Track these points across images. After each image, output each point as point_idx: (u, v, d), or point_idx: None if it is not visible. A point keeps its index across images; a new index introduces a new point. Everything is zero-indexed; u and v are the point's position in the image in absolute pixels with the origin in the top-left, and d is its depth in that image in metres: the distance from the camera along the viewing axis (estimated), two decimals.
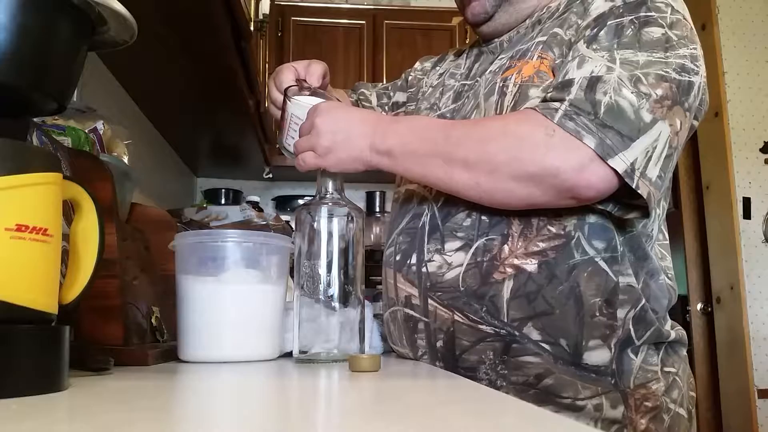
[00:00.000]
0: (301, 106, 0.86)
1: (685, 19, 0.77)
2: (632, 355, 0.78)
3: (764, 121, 2.90)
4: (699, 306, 2.99)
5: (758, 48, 2.97)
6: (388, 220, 0.96)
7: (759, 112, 2.91)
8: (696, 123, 0.79)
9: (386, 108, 1.14)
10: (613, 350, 0.77)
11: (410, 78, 1.12)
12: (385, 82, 1.20)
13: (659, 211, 0.84)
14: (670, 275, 0.85)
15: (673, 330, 0.83)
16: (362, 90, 1.16)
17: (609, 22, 0.76)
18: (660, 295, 0.82)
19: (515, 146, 0.72)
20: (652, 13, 0.75)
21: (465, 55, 1.01)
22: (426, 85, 1.04)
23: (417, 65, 1.13)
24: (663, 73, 0.72)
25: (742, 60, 2.94)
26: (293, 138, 0.89)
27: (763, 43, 2.98)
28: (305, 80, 0.94)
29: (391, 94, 1.14)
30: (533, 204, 0.75)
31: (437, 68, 1.06)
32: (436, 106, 0.96)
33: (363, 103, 1.14)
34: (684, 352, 0.85)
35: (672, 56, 0.73)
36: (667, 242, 0.87)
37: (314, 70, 0.95)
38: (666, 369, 0.80)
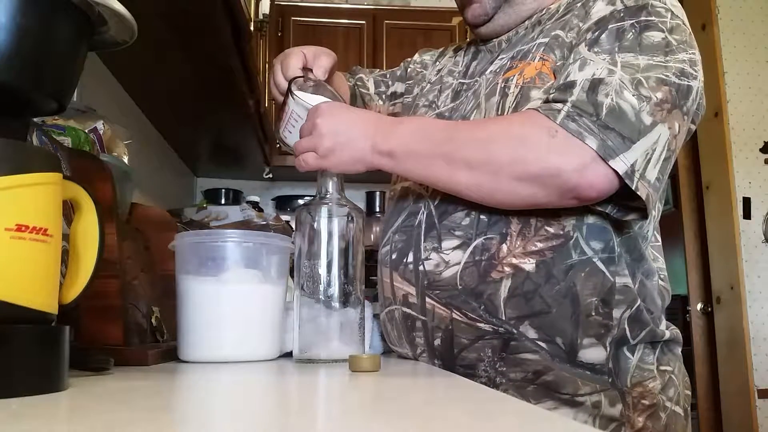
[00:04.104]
0: (302, 105, 0.86)
1: (684, 24, 0.78)
2: (628, 354, 0.79)
3: (764, 121, 2.90)
4: (699, 306, 2.98)
5: (758, 48, 2.97)
6: (384, 218, 0.96)
7: (759, 112, 2.90)
8: (693, 126, 0.80)
9: (383, 97, 1.13)
10: (608, 349, 0.78)
11: (409, 69, 1.12)
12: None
13: (654, 213, 0.84)
14: (662, 276, 0.86)
15: (668, 330, 0.83)
16: (360, 75, 1.15)
17: (610, 26, 0.76)
18: (655, 296, 0.82)
19: (518, 147, 0.72)
20: (653, 18, 0.76)
21: (462, 52, 1.01)
22: (425, 80, 1.04)
23: (416, 57, 1.13)
24: (663, 76, 0.73)
25: (742, 60, 2.94)
26: (290, 132, 0.89)
27: (763, 43, 2.98)
28: (311, 70, 0.94)
29: (390, 83, 1.14)
30: (535, 204, 0.75)
31: (437, 64, 1.06)
32: (434, 104, 0.96)
33: (360, 89, 1.13)
34: (679, 350, 0.86)
35: (672, 60, 0.74)
36: (660, 244, 0.88)
37: (322, 63, 0.94)
38: (662, 367, 0.81)
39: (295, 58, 0.94)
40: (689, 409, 0.85)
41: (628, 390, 0.78)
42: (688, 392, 0.86)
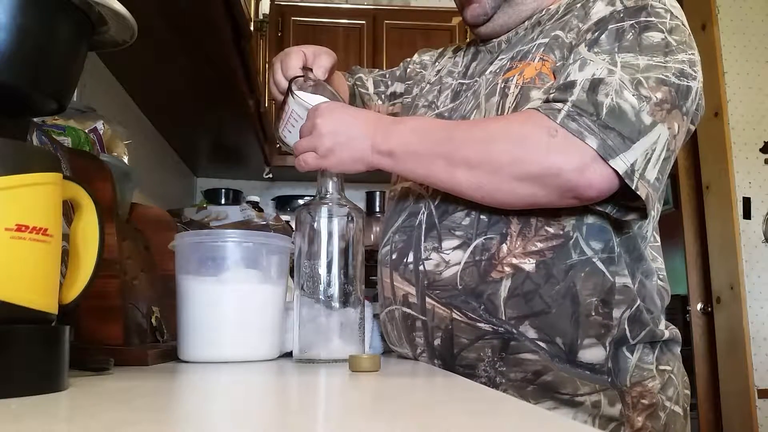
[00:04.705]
0: (302, 104, 0.86)
1: (683, 25, 0.78)
2: (628, 354, 0.79)
3: (764, 121, 2.90)
4: (699, 306, 2.98)
5: (758, 48, 2.97)
6: (384, 218, 0.96)
7: (759, 112, 2.90)
8: (692, 127, 0.81)
9: (383, 97, 1.13)
10: (608, 349, 0.78)
11: (409, 69, 1.12)
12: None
13: (654, 213, 0.84)
14: (661, 276, 0.86)
15: (667, 329, 0.83)
16: (360, 75, 1.15)
17: (610, 26, 0.76)
18: (654, 296, 0.82)
19: (518, 146, 0.73)
20: (652, 18, 0.76)
21: (462, 52, 1.01)
22: (424, 80, 1.04)
23: (416, 57, 1.13)
24: (663, 77, 0.73)
25: (742, 60, 2.94)
26: (290, 132, 0.89)
27: (763, 43, 2.98)
28: (311, 69, 0.93)
29: (389, 83, 1.14)
30: (535, 204, 0.76)
31: (436, 65, 1.06)
32: (434, 105, 0.96)
33: (359, 89, 1.13)
34: (678, 350, 0.86)
35: (671, 61, 0.74)
36: (659, 244, 0.88)
37: (322, 63, 0.94)
38: (661, 367, 0.81)
39: (295, 58, 0.93)
40: (688, 408, 0.85)
41: (628, 389, 0.78)
42: (688, 392, 0.86)
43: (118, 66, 1.45)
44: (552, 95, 0.75)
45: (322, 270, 0.81)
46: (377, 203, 2.92)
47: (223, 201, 2.79)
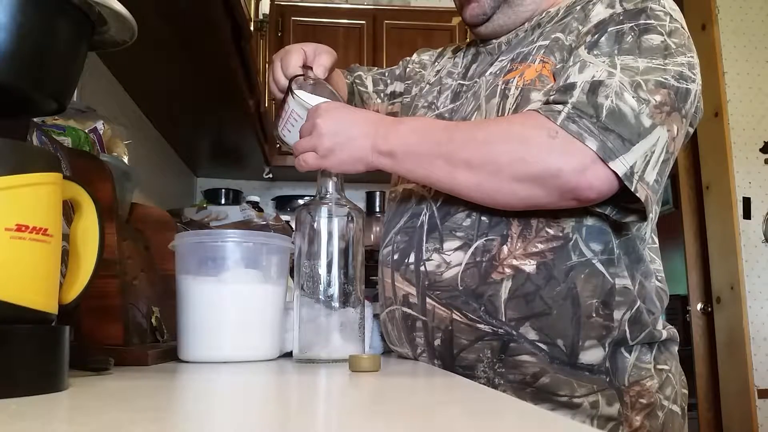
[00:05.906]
0: (302, 104, 0.86)
1: (682, 27, 0.79)
2: (626, 354, 0.79)
3: (764, 121, 2.90)
4: (699, 306, 2.98)
5: (758, 48, 2.97)
6: (385, 219, 0.96)
7: (759, 112, 2.90)
8: (691, 129, 0.81)
9: (382, 95, 1.13)
10: (606, 349, 0.78)
11: (408, 69, 1.12)
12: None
13: (652, 215, 0.85)
14: (659, 278, 0.86)
15: (664, 329, 0.83)
16: (359, 73, 1.15)
17: (609, 29, 0.77)
18: (654, 297, 0.82)
19: (518, 147, 0.73)
20: (652, 21, 0.76)
21: (462, 53, 1.01)
22: (424, 80, 1.04)
23: (415, 57, 1.13)
24: (662, 79, 0.73)
25: (742, 60, 2.94)
26: (289, 131, 0.89)
27: (763, 43, 2.98)
28: (311, 68, 0.93)
29: (388, 81, 1.14)
30: (535, 205, 0.76)
31: (435, 65, 1.06)
32: (434, 106, 0.96)
33: (358, 87, 1.13)
34: (676, 349, 0.86)
35: (671, 63, 0.74)
36: (657, 246, 0.88)
37: (323, 61, 0.93)
38: (659, 366, 0.81)
39: (295, 56, 0.93)
40: (686, 407, 0.85)
41: (626, 389, 0.78)
42: (685, 391, 0.86)
43: (118, 66, 1.45)
44: (552, 97, 0.75)
45: (322, 270, 0.81)
46: (377, 203, 2.92)
47: (223, 201, 2.79)
